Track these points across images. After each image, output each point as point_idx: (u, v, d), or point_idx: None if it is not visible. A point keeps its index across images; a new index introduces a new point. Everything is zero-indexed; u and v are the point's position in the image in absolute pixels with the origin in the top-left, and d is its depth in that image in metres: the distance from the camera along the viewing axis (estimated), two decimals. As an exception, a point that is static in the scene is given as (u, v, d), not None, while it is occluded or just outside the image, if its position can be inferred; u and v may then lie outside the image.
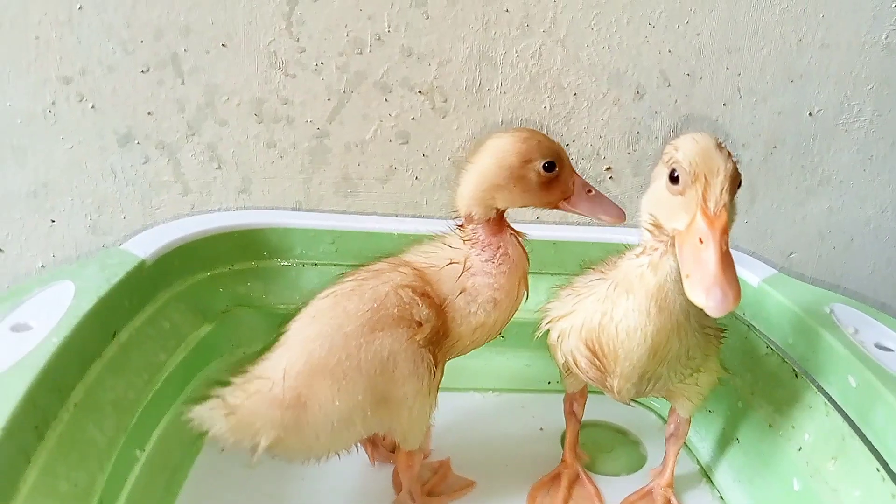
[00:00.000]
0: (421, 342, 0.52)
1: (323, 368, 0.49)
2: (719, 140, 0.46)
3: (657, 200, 0.47)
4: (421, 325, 0.52)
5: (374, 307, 0.51)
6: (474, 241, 0.55)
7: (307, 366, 0.49)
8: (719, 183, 0.43)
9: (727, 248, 0.42)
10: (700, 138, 0.45)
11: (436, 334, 0.53)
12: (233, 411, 0.47)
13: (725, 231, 0.42)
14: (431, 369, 0.53)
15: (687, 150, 0.44)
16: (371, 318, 0.51)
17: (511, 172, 0.52)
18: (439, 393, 0.54)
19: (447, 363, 0.60)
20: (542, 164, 0.52)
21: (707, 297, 0.40)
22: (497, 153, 0.52)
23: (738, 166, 0.45)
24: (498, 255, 0.55)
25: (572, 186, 0.54)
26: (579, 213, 0.55)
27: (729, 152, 0.45)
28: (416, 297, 0.53)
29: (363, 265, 0.57)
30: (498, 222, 0.55)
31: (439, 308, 0.54)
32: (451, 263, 0.55)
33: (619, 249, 0.58)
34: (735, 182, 0.44)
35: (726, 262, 0.41)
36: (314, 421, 0.49)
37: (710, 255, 0.41)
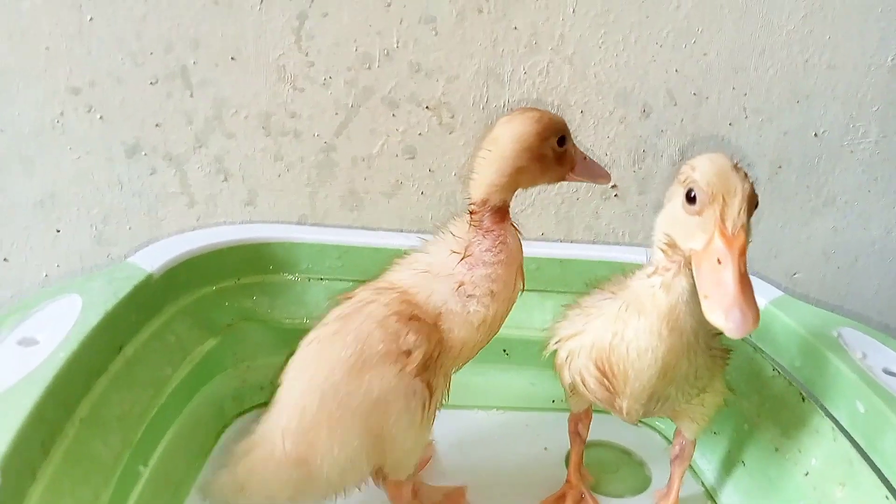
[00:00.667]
0: (413, 372, 0.51)
1: (317, 423, 0.50)
2: (736, 160, 0.46)
3: (674, 220, 0.47)
4: (410, 353, 0.52)
5: (359, 350, 0.51)
6: (478, 226, 0.55)
7: (302, 423, 0.50)
8: (737, 203, 0.43)
9: (745, 269, 0.42)
10: (717, 158, 0.45)
11: (429, 358, 0.52)
12: (243, 486, 0.50)
13: (744, 252, 0.42)
14: (425, 402, 0.53)
15: (704, 170, 0.44)
16: (357, 362, 0.50)
17: (532, 153, 0.53)
18: (444, 410, 0.54)
19: (451, 381, 0.60)
20: (556, 139, 0.53)
21: (727, 318, 0.40)
22: (517, 136, 0.52)
23: (754, 187, 0.44)
24: (497, 243, 0.54)
25: (575, 157, 0.56)
26: (582, 181, 0.57)
27: (746, 173, 0.45)
28: (403, 326, 0.52)
29: (363, 281, 0.57)
30: (502, 212, 0.55)
31: (432, 328, 0.53)
32: (451, 254, 0.55)
33: (624, 268, 0.58)
34: (752, 203, 0.44)
35: (745, 282, 0.41)
36: (321, 473, 0.50)
37: (729, 276, 0.41)
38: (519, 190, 0.55)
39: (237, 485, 0.50)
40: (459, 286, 0.54)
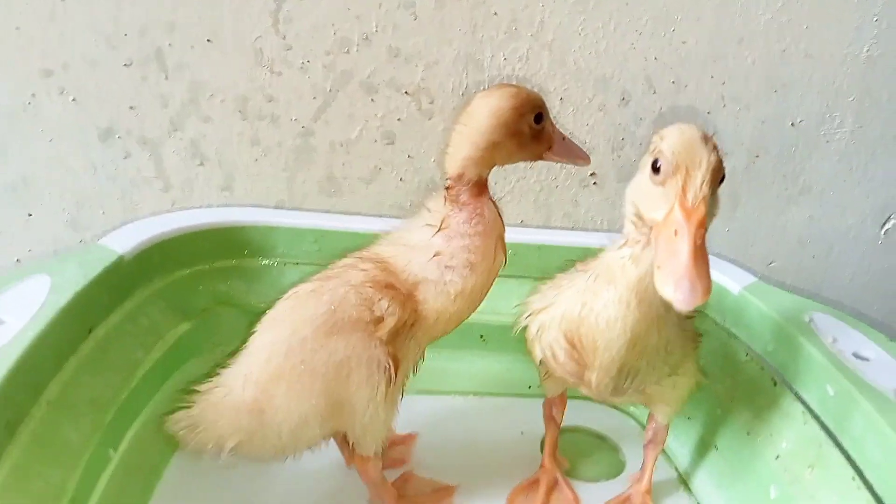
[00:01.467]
0: (383, 338, 0.52)
1: (279, 374, 0.51)
2: (707, 132, 0.45)
3: (640, 191, 0.46)
4: (383, 320, 0.52)
5: (331, 310, 0.51)
6: (455, 201, 0.55)
7: (265, 372, 0.51)
8: (700, 175, 0.42)
9: (702, 241, 0.41)
10: (686, 129, 0.44)
11: (402, 326, 0.53)
12: (196, 425, 0.50)
13: (702, 224, 0.41)
14: (390, 376, 0.53)
15: (672, 140, 0.43)
16: (327, 322, 0.51)
17: (508, 129, 0.52)
18: (421, 396, 0.54)
19: (427, 366, 0.60)
20: (533, 116, 0.53)
21: (675, 289, 0.39)
22: (493, 111, 0.52)
23: (721, 159, 0.44)
24: (474, 215, 0.54)
25: (553, 136, 0.56)
26: (560, 160, 0.57)
27: (715, 144, 0.44)
28: (378, 292, 0.52)
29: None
30: (480, 187, 0.55)
31: (406, 297, 0.54)
32: (427, 226, 0.55)
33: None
34: (717, 175, 0.43)
35: (699, 255, 0.40)
36: (273, 424, 0.51)
37: (683, 248, 0.40)
38: (498, 178, 0.55)
39: (191, 422, 0.51)
40: (435, 255, 0.54)
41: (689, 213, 0.41)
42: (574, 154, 0.57)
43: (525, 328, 0.60)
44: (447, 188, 0.55)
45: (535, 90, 0.55)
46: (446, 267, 0.54)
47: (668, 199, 0.43)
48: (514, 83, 0.55)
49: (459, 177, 0.54)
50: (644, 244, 0.48)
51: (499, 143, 0.53)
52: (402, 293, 0.54)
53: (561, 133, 0.57)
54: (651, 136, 0.47)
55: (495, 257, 0.56)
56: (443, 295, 0.54)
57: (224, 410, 0.51)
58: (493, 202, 0.56)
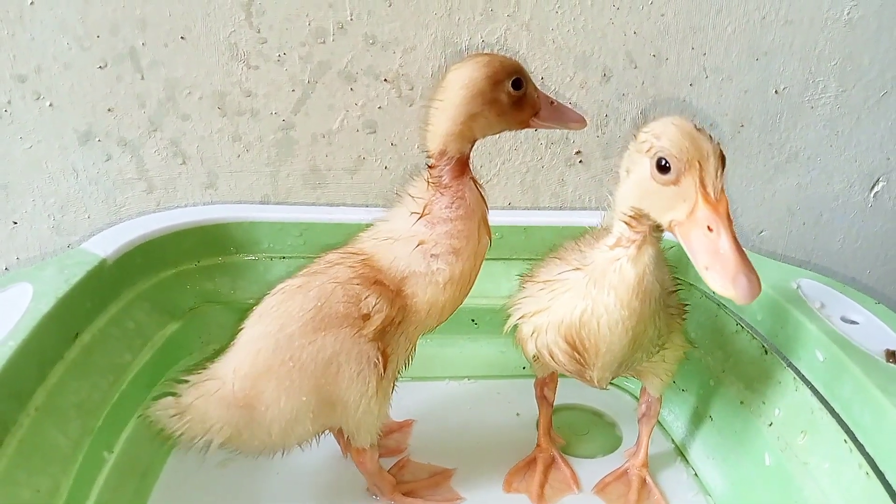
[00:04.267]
0: (370, 336, 0.52)
1: (268, 369, 0.51)
2: (696, 122, 0.45)
3: (643, 193, 0.45)
4: (370, 317, 0.52)
5: (318, 306, 0.51)
6: (437, 183, 0.54)
7: (253, 367, 0.51)
8: (713, 166, 0.42)
9: (735, 233, 0.41)
10: (680, 123, 0.44)
11: (389, 324, 0.53)
12: (185, 411, 0.50)
13: (729, 215, 0.41)
14: (379, 371, 0.53)
15: (672, 136, 0.43)
16: (314, 318, 0.51)
17: (484, 98, 0.51)
18: (415, 382, 0.54)
19: (421, 353, 0.60)
20: (510, 82, 0.51)
21: (735, 286, 0.39)
22: (466, 82, 0.51)
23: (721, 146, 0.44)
24: (455, 198, 0.54)
25: (538, 101, 0.54)
26: (549, 126, 0.55)
27: (710, 134, 0.44)
28: (366, 289, 0.52)
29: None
30: (462, 165, 0.54)
31: (395, 294, 0.53)
32: (411, 214, 0.54)
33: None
34: (724, 163, 0.43)
35: (741, 248, 0.40)
36: (263, 420, 0.51)
37: (726, 244, 0.40)
38: (483, 161, 0.54)
39: (179, 409, 0.51)
40: (420, 245, 0.54)
41: (716, 207, 0.41)
42: (565, 118, 0.55)
43: (516, 327, 0.60)
44: (429, 167, 0.54)
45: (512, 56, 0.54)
46: (432, 255, 0.54)
47: (687, 197, 0.42)
48: (487, 52, 0.54)
49: (441, 154, 0.53)
50: (639, 244, 0.48)
51: (476, 114, 0.51)
52: (391, 290, 0.53)
53: (548, 97, 0.55)
54: (633, 122, 0.46)
55: (479, 239, 0.55)
56: (432, 285, 0.54)
57: (213, 403, 0.50)
58: (476, 182, 0.55)
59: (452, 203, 0.54)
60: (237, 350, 0.53)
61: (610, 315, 0.49)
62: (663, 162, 0.43)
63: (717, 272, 0.41)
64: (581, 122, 0.55)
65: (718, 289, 0.41)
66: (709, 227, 0.41)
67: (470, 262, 0.55)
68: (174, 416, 0.50)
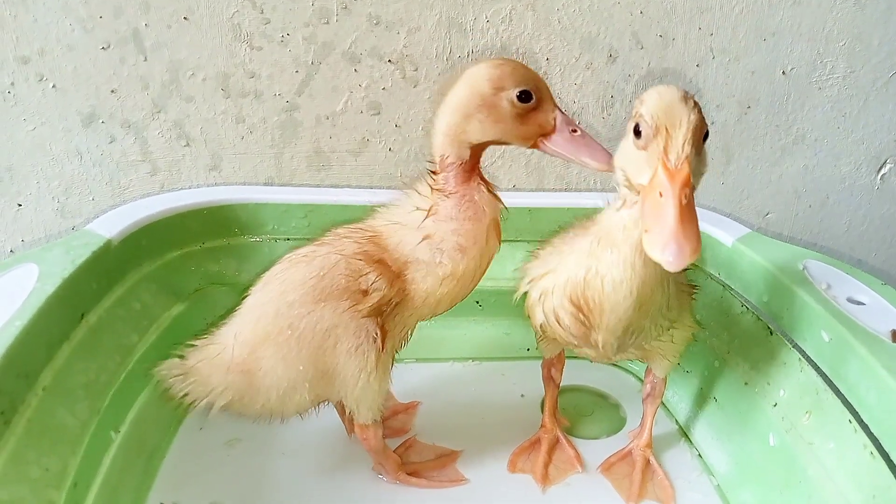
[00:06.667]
0: (365, 312, 0.52)
1: (267, 336, 0.51)
2: (688, 92, 0.44)
3: (626, 156, 0.46)
4: (367, 294, 0.52)
5: (320, 275, 0.51)
6: (442, 189, 0.53)
7: (254, 333, 0.52)
8: (681, 135, 0.42)
9: (689, 200, 0.41)
10: (664, 91, 0.44)
11: (387, 304, 0.53)
12: (188, 373, 0.51)
13: (687, 184, 0.41)
14: (377, 346, 0.53)
15: (651, 103, 0.43)
16: (315, 288, 0.51)
17: (482, 100, 0.49)
18: (420, 364, 0.54)
19: (425, 335, 0.60)
20: (516, 92, 0.49)
21: (663, 251, 0.39)
22: (469, 80, 0.50)
23: (704, 116, 0.43)
24: (463, 202, 0.53)
25: (553, 123, 0.50)
26: (559, 155, 0.51)
27: (695, 103, 0.43)
28: (368, 266, 0.52)
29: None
30: (469, 169, 0.53)
31: (395, 275, 0.53)
32: (416, 210, 0.54)
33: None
34: (699, 133, 0.43)
35: (686, 215, 0.40)
36: (261, 386, 0.52)
37: (669, 209, 0.40)
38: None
39: (183, 371, 0.52)
40: (425, 238, 0.53)
41: (672, 175, 0.41)
42: (580, 152, 0.50)
43: (525, 294, 0.59)
44: (432, 172, 0.54)
45: (522, 60, 0.51)
46: (437, 249, 0.53)
47: (652, 163, 0.42)
48: (512, 57, 0.52)
49: (442, 161, 0.52)
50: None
51: (471, 115, 0.50)
52: (392, 271, 0.53)
53: (570, 122, 0.50)
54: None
55: (488, 242, 0.54)
56: (431, 276, 0.54)
57: (214, 367, 0.52)
58: (488, 185, 0.54)
59: (460, 205, 0.53)
60: (240, 315, 0.54)
61: (613, 274, 0.49)
62: (638, 127, 0.43)
63: (652, 235, 0.41)
64: (602, 163, 0.50)
65: (649, 251, 0.41)
66: (660, 193, 0.41)
67: (475, 262, 0.54)
68: (178, 376, 0.52)
